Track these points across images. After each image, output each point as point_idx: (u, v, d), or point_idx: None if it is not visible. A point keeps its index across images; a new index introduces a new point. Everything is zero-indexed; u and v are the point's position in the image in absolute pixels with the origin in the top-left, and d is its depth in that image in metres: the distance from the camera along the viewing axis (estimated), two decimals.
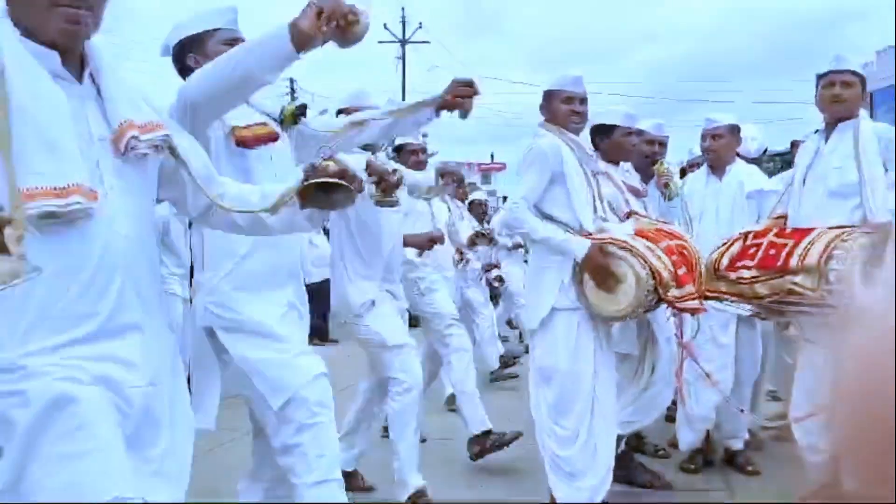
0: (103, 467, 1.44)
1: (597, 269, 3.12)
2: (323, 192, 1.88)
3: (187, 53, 2.54)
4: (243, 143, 2.50)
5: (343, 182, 1.86)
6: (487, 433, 4.24)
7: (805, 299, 2.98)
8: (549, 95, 3.38)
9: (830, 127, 3.32)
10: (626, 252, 3.09)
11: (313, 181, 1.86)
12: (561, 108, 3.33)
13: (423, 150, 4.69)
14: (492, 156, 23.02)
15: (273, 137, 2.58)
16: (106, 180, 1.58)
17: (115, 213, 1.58)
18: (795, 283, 2.98)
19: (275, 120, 2.64)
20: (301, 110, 2.71)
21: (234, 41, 2.46)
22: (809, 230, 3.12)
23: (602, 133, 3.93)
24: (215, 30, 2.53)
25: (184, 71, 2.54)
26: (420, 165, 4.54)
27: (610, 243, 3.15)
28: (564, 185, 3.22)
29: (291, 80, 24.67)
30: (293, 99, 18.39)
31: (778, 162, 12.66)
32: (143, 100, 1.72)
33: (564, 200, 3.23)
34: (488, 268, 7.06)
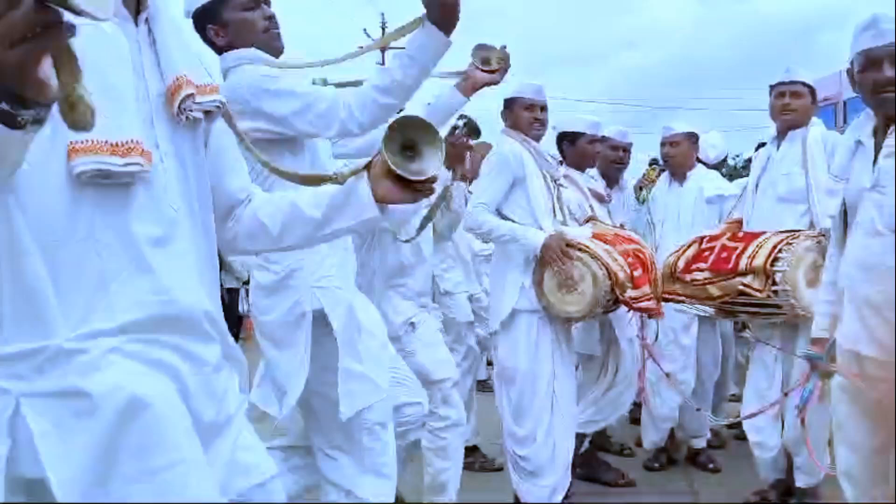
0: (189, 479, 1.26)
1: (556, 258, 3.17)
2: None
3: (206, 25, 2.35)
4: None
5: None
6: (473, 448, 4.25)
7: (753, 299, 3.10)
8: (510, 102, 3.47)
9: (781, 135, 3.45)
10: (584, 253, 3.19)
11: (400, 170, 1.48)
12: (522, 114, 3.41)
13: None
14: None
15: None
16: (161, 145, 1.32)
17: (168, 184, 1.32)
18: (745, 285, 3.10)
19: None
20: None
21: (255, 3, 2.32)
22: (760, 234, 3.24)
23: (568, 140, 4.05)
24: None
25: (207, 41, 2.36)
26: None
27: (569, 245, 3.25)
28: (525, 190, 3.31)
29: None
30: None
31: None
32: (200, 59, 1.49)
33: (525, 205, 3.31)
34: None
